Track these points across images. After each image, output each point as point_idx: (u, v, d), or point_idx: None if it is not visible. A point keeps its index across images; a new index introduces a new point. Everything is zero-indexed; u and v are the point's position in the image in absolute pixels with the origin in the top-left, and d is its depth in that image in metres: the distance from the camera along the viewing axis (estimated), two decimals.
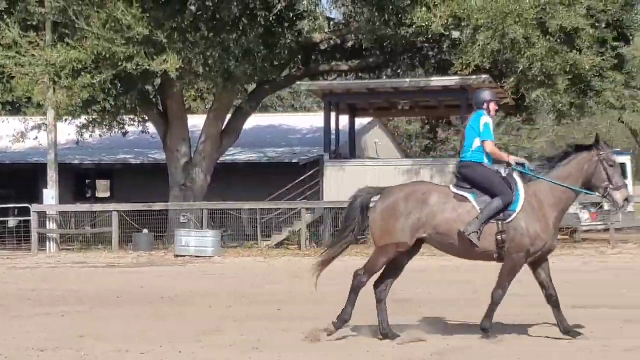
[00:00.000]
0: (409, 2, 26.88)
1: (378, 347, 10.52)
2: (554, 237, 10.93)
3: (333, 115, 31.81)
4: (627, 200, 11.07)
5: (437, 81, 29.88)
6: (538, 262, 10.88)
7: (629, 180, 39.41)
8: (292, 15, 29.14)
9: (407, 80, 30.78)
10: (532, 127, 44.87)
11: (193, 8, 27.97)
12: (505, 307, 11.08)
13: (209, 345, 10.78)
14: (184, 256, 26.17)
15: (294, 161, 34.20)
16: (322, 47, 32.48)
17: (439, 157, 41.47)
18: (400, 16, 27.20)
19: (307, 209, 29.09)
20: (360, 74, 33.42)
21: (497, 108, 11.42)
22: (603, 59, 27.55)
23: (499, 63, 27.70)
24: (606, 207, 31.07)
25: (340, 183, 29.74)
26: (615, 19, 28.23)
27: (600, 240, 29.51)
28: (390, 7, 27.21)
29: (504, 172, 11.02)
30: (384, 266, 11.05)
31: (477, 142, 11.00)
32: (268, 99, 45.14)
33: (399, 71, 33.00)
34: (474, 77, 27.73)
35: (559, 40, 26.82)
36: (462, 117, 31.03)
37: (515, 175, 10.93)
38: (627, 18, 29.00)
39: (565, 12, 26.51)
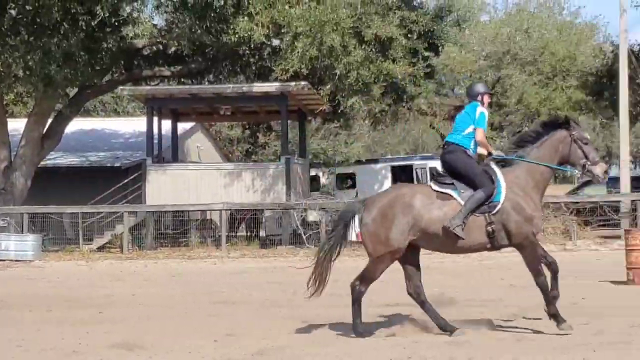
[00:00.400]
0: (231, 11, 27.28)
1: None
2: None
3: (155, 119, 31.95)
4: (606, 172, 11.65)
5: (258, 87, 30.42)
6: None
7: None
8: (114, 20, 29.07)
9: (230, 86, 31.19)
10: (349, 132, 45.89)
11: (13, 12, 27.54)
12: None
13: (29, 349, 10.72)
14: (4, 260, 25.85)
15: (116, 165, 34.09)
16: (145, 53, 32.46)
17: (259, 161, 42.06)
18: (222, 25, 27.63)
19: (130, 213, 29.14)
20: (182, 80, 33.59)
21: (489, 100, 11.83)
22: (415, 68, 28.73)
23: (317, 70, 28.42)
24: None
25: (162, 187, 29.98)
26: (426, 30, 29.37)
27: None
28: (212, 15, 27.59)
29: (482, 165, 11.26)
30: (382, 274, 11.19)
31: (469, 129, 11.28)
32: (90, 103, 44.63)
33: (220, 77, 33.34)
34: (293, 83, 28.48)
35: (374, 50, 27.84)
36: (282, 122, 31.79)
37: (493, 165, 11.21)
38: (437, 29, 30.19)
39: (380, 21, 27.55)
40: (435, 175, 11.56)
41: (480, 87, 11.77)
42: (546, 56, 37.78)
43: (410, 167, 40.43)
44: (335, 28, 26.58)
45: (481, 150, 11.39)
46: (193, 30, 28.09)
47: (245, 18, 26.48)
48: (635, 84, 31.89)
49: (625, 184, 29.70)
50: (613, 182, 34.78)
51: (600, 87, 35.11)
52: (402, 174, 40.46)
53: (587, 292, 10.87)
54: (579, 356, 9.36)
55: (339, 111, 30.62)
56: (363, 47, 27.37)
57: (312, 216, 29.28)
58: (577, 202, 28.68)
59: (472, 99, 11.56)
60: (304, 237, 28.01)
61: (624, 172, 30.25)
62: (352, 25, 27.01)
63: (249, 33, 26.27)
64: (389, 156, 54.75)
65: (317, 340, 10.96)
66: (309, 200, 29.61)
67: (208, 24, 27.80)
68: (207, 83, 33.20)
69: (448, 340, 10.59)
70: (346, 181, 41.45)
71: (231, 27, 26.67)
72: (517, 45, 38.30)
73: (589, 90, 35.88)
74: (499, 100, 39.04)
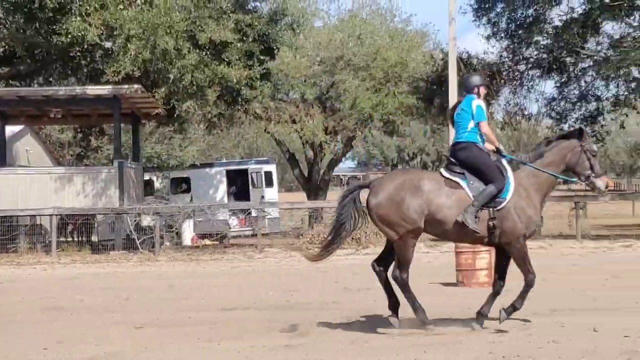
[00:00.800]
0: (63, 11, 26.69)
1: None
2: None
3: None
4: (607, 186, 11.80)
5: (91, 90, 29.76)
6: None
7: (275, 188, 41.28)
8: None
9: (61, 88, 30.41)
10: (184, 136, 45.62)
11: None
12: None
13: None
14: None
15: None
16: None
17: (92, 165, 41.23)
18: (53, 25, 26.99)
19: None
20: (10, 81, 32.65)
21: (486, 91, 11.81)
22: (251, 71, 28.78)
23: (150, 73, 28.17)
24: (254, 213, 32.52)
25: None
26: (261, 34, 29.50)
27: (248, 245, 30.70)
28: (42, 16, 26.93)
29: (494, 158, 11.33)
30: (412, 253, 11.14)
31: (471, 124, 11.30)
32: None
33: (51, 79, 32.58)
34: (127, 86, 28.01)
35: (208, 53, 27.75)
36: (115, 126, 31.23)
37: (504, 161, 11.33)
38: (272, 32, 30.33)
39: (214, 25, 27.49)
40: (447, 163, 11.56)
41: (476, 79, 11.80)
42: (378, 62, 38.35)
43: (245, 171, 40.55)
44: (168, 31, 26.42)
45: (489, 145, 11.46)
46: (22, 30, 27.34)
47: (78, 18, 25.96)
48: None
49: None
50: None
51: (431, 92, 35.95)
52: (238, 178, 40.55)
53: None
54: (411, 356, 9.54)
55: (174, 115, 30.39)
56: (197, 50, 27.25)
57: (146, 221, 28.98)
58: None
59: (468, 92, 11.63)
60: (137, 242, 27.67)
61: None
62: (186, 28, 26.90)
63: (82, 33, 25.77)
64: (224, 160, 54.75)
65: (150, 345, 10.80)
66: (142, 205, 29.27)
67: (38, 25, 27.12)
68: (36, 85, 32.38)
69: (285, 343, 10.60)
70: (181, 185, 41.22)
71: (64, 27, 26.08)
72: (350, 51, 38.78)
73: (420, 96, 36.69)
74: (333, 105, 39.51)
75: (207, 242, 31.69)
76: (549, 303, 13.08)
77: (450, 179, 11.18)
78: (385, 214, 11.01)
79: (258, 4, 31.83)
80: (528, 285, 11.14)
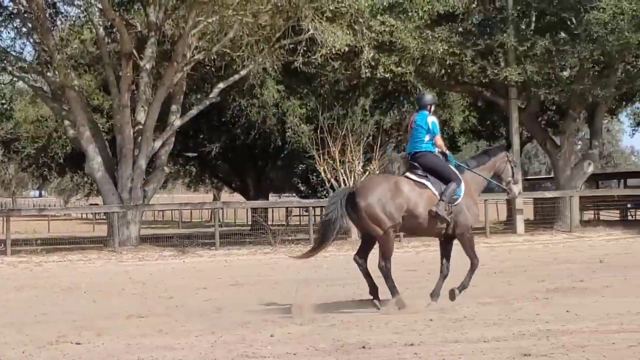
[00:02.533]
0: None
1: None
2: None
3: None
4: (520, 192, 14.48)
5: None
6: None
7: None
8: None
9: None
10: None
11: None
12: None
13: None
14: None
15: None
16: None
17: None
18: None
19: None
20: None
21: (433, 109, 13.71)
22: None
23: None
24: None
25: None
26: None
27: None
28: None
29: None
30: (393, 246, 13.06)
31: (427, 137, 13.28)
32: None
33: None
34: None
35: None
36: None
37: (452, 166, 13.39)
38: None
39: None
40: (410, 168, 13.39)
41: (429, 98, 13.82)
42: None
43: None
44: None
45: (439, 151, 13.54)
46: None
47: None
48: None
49: None
50: None
51: None
52: None
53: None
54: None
55: None
56: None
57: None
58: None
59: (422, 108, 13.58)
60: None
61: None
62: None
63: None
64: None
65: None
66: None
67: None
68: None
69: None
70: None
71: None
72: None
73: None
74: None
75: None
76: None
77: (418, 181, 13.11)
78: (374, 213, 12.72)
79: None
80: (474, 268, 13.34)
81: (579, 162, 34.22)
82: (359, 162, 31.04)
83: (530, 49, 30.37)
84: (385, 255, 12.89)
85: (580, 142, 61.06)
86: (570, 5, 30.26)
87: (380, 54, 29.96)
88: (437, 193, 12.97)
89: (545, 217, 34.98)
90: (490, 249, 25.01)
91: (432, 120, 13.40)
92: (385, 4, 29.41)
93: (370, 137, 32.63)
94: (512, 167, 14.04)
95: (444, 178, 13.10)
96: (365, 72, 29.85)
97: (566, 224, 32.80)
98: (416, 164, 13.27)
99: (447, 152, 13.59)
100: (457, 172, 13.31)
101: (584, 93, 31.16)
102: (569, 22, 31.42)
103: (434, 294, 13.15)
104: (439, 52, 29.89)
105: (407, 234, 14.54)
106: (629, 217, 42.99)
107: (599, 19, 28.57)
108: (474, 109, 43.18)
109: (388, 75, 30.34)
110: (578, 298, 13.61)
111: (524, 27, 32.11)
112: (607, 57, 30.81)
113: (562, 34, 31.85)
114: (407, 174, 13.32)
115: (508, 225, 36.81)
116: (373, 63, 29.78)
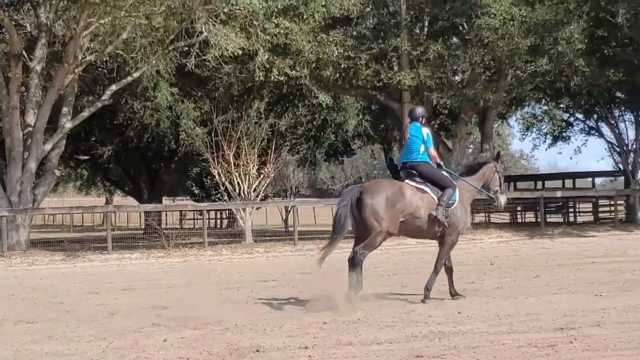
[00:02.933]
0: None
1: None
2: None
3: None
4: (506, 202, 15.05)
5: None
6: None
7: None
8: None
9: None
10: None
11: None
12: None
13: None
14: None
15: None
16: None
17: None
18: None
19: None
20: None
21: (424, 121, 14.39)
22: None
23: None
24: None
25: None
26: None
27: None
28: None
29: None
30: (380, 245, 13.51)
31: (422, 148, 13.96)
32: None
33: None
34: None
35: None
36: None
37: (445, 174, 14.11)
38: None
39: None
40: (407, 176, 14.02)
41: (421, 111, 14.54)
42: None
43: None
44: None
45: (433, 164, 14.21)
46: None
47: None
48: None
49: None
50: None
51: None
52: None
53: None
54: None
55: None
56: None
57: None
58: None
59: (414, 120, 14.29)
60: None
61: None
62: None
63: None
64: None
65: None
66: None
67: None
68: None
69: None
70: None
71: None
72: None
73: None
74: None
75: None
76: None
77: (418, 187, 13.81)
78: (378, 211, 13.30)
79: None
80: (437, 270, 14.02)
81: None
82: (253, 166, 31.14)
83: (423, 53, 30.92)
84: (368, 247, 13.41)
85: (471, 146, 62.55)
86: (462, 10, 30.89)
87: (275, 57, 30.10)
88: (436, 198, 13.74)
89: None
90: (384, 252, 25.18)
91: (426, 132, 14.15)
92: (279, 6, 29.41)
93: (265, 140, 32.73)
94: (499, 177, 14.78)
95: (441, 185, 13.87)
96: (260, 75, 29.95)
97: None
98: (414, 172, 13.97)
99: (441, 162, 14.35)
100: (451, 179, 14.12)
101: (475, 97, 31.71)
102: (461, 28, 32.17)
103: (452, 292, 14.02)
104: (334, 55, 30.27)
105: (406, 237, 14.67)
106: (519, 220, 43.94)
107: (490, 25, 29.32)
108: (368, 113, 43.67)
109: (282, 78, 30.55)
110: (469, 299, 13.88)
111: (417, 31, 32.67)
112: (498, 62, 31.66)
113: (455, 39, 32.65)
114: (407, 181, 13.98)
115: None
116: (267, 66, 29.93)
